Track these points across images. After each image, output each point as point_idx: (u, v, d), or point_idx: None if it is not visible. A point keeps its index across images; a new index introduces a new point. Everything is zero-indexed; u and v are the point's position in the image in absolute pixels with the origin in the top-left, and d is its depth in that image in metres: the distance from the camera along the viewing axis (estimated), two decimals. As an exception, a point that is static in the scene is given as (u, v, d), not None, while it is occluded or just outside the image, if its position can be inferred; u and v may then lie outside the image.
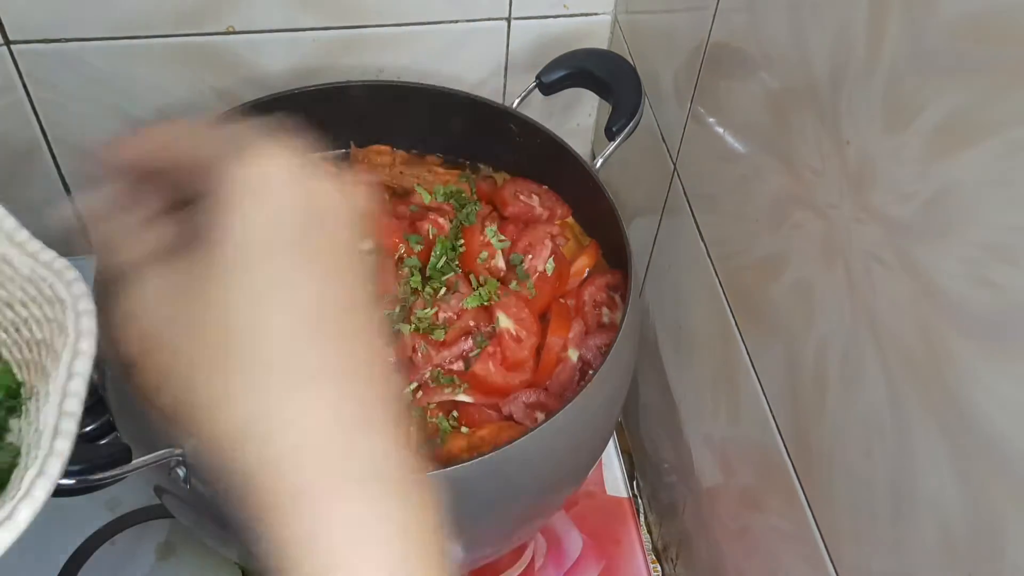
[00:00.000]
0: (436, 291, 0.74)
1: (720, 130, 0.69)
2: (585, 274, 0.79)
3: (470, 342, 0.72)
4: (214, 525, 0.66)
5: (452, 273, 0.75)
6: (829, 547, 0.57)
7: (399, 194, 0.84)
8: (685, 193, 0.78)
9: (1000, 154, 0.39)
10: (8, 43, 0.81)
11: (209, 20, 0.84)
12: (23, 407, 0.41)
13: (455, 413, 0.71)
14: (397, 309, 0.73)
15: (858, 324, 0.51)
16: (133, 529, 0.82)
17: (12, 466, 0.38)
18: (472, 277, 0.76)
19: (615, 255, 0.78)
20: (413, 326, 0.71)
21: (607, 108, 0.81)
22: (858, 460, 0.52)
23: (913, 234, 0.45)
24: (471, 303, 0.73)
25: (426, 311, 0.72)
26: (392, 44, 0.90)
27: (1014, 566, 0.40)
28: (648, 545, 0.89)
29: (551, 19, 0.92)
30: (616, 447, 0.94)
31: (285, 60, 0.89)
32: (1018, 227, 0.38)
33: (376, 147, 0.88)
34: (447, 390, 0.71)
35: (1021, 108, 0.37)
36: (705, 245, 0.74)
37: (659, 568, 0.90)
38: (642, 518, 0.94)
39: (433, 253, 0.76)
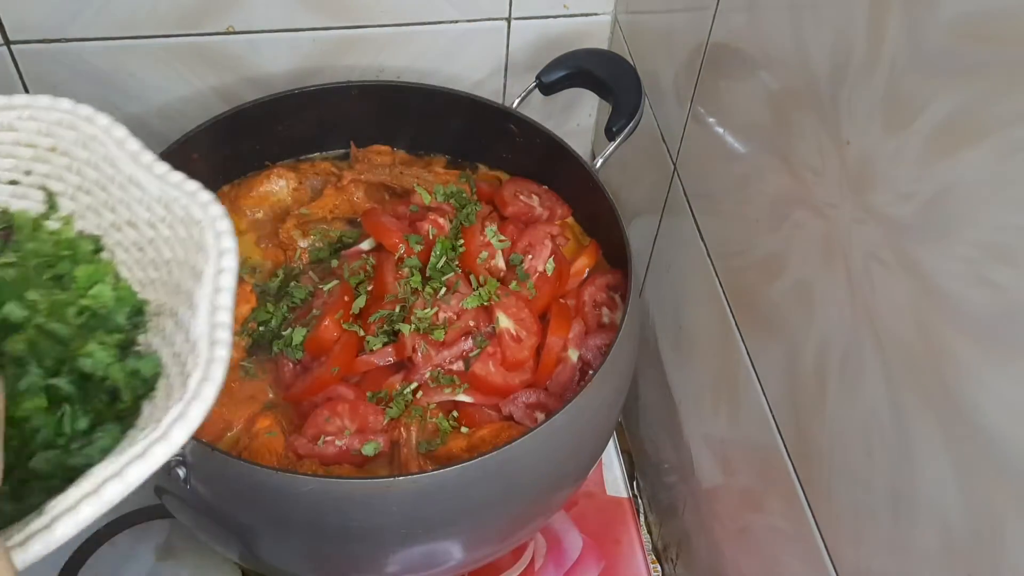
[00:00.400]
0: (436, 291, 0.74)
1: (720, 130, 0.69)
2: (585, 274, 0.79)
3: (470, 342, 0.72)
4: (214, 525, 0.66)
5: (452, 273, 0.75)
6: (829, 547, 0.57)
7: (399, 194, 0.84)
8: (685, 193, 0.78)
9: (1000, 154, 0.39)
10: (8, 43, 0.81)
11: (209, 20, 0.84)
12: (149, 323, 0.43)
13: (455, 413, 0.71)
14: (397, 309, 0.73)
15: (858, 324, 0.51)
16: (133, 529, 0.82)
17: (156, 375, 0.41)
18: (472, 277, 0.76)
19: (615, 255, 0.78)
20: (413, 326, 0.71)
21: (607, 108, 0.81)
22: (858, 460, 0.52)
23: (913, 234, 0.45)
24: (471, 303, 0.73)
25: (426, 311, 0.72)
26: (392, 44, 0.90)
27: (1014, 566, 0.40)
28: (648, 545, 0.89)
29: (551, 19, 0.92)
30: (616, 447, 0.94)
31: (285, 60, 0.89)
32: (1018, 227, 0.38)
33: (376, 147, 0.88)
34: (447, 390, 0.71)
35: (1021, 108, 0.37)
36: (705, 245, 0.74)
37: (659, 568, 0.90)
38: (642, 518, 0.94)
39: (433, 253, 0.76)
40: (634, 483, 0.97)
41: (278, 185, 0.84)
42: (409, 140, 0.89)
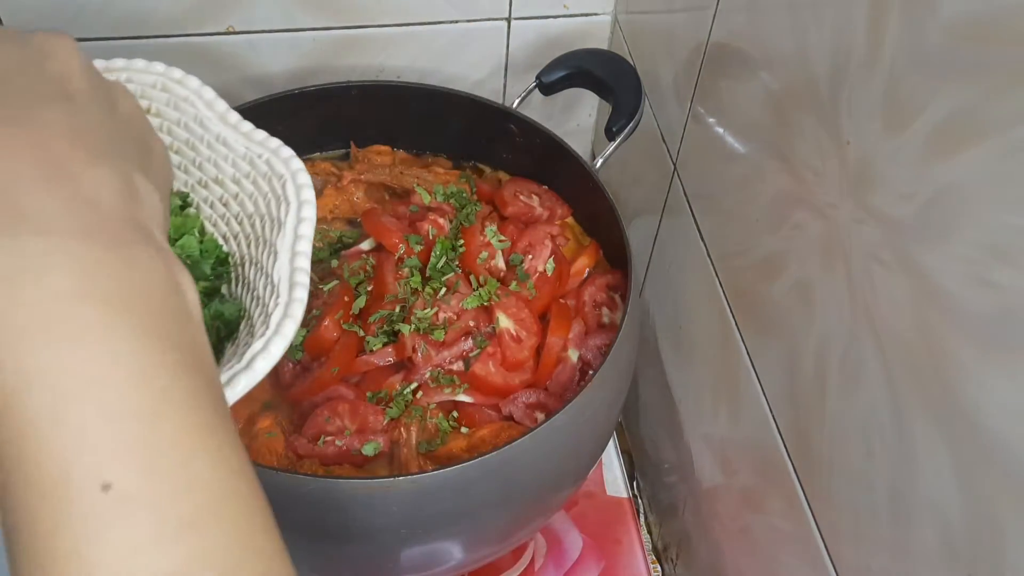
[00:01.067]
0: (436, 291, 0.74)
1: (720, 130, 0.69)
2: (585, 274, 0.79)
3: (470, 342, 0.72)
4: (214, 525, 0.66)
5: (452, 273, 0.75)
6: (829, 547, 0.57)
7: (399, 194, 0.84)
8: (685, 193, 0.78)
9: (1000, 154, 0.39)
10: (8, 43, 0.81)
11: (209, 20, 0.84)
12: (231, 274, 0.46)
13: (455, 413, 0.71)
14: (397, 309, 0.73)
15: (858, 324, 0.51)
16: (133, 529, 0.82)
17: (238, 318, 0.43)
18: (472, 277, 0.76)
19: (615, 255, 0.78)
20: (413, 326, 0.71)
21: (607, 108, 0.81)
22: (858, 460, 0.52)
23: (913, 234, 0.45)
24: (471, 303, 0.73)
25: (426, 311, 0.72)
26: (392, 44, 0.90)
27: (1014, 566, 0.40)
28: (648, 545, 0.89)
29: (551, 19, 0.92)
30: (616, 447, 0.94)
31: (285, 60, 0.89)
32: (1018, 227, 0.38)
33: (376, 147, 0.88)
34: (447, 390, 0.71)
35: (1021, 108, 0.37)
36: (705, 245, 0.74)
37: (659, 568, 0.90)
38: (642, 518, 0.94)
39: (433, 253, 0.76)
40: (634, 483, 0.97)
41: (278, 185, 0.84)
42: (409, 140, 0.89)
